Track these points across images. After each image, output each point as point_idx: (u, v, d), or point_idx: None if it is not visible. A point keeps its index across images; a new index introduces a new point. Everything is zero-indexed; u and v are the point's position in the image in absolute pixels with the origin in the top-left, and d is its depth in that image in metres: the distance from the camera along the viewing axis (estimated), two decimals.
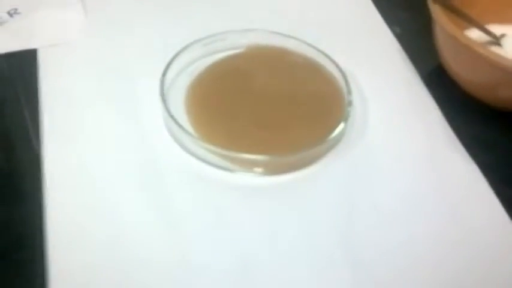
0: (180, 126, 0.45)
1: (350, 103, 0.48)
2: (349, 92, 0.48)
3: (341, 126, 0.46)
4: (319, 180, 0.45)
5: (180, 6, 0.57)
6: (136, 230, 0.41)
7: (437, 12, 0.48)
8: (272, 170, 0.45)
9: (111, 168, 0.45)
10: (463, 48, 0.46)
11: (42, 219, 0.41)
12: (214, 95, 0.50)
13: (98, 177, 0.44)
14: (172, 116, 0.46)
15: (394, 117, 0.50)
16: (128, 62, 0.52)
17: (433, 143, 0.48)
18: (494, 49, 0.51)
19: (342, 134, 0.47)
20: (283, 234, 0.42)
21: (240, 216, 0.43)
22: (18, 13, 0.56)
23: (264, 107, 0.49)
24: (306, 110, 0.49)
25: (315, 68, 0.52)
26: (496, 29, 0.53)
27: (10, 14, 0.56)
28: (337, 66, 0.50)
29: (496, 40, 0.52)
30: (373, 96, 0.51)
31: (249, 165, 0.45)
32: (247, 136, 0.46)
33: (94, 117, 0.48)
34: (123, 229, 0.41)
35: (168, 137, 0.47)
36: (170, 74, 0.49)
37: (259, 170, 0.45)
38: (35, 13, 0.56)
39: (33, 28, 0.54)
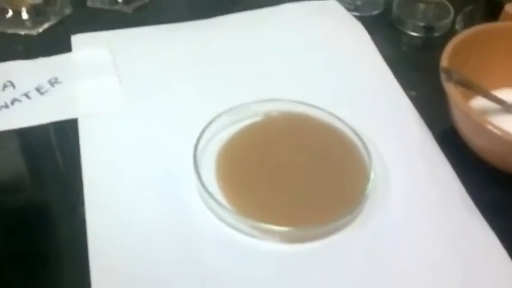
0: (211, 195, 0.49)
1: (370, 178, 0.51)
2: (370, 163, 0.52)
3: (364, 198, 0.49)
4: (343, 248, 0.48)
5: (207, 78, 0.60)
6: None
7: (449, 89, 0.51)
8: (296, 239, 0.48)
9: (148, 233, 0.48)
10: (473, 123, 0.49)
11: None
12: (241, 162, 0.53)
13: (136, 242, 0.48)
14: (204, 185, 0.49)
15: (412, 184, 0.53)
16: (160, 132, 0.56)
17: (450, 207, 0.51)
18: (506, 118, 0.54)
19: (364, 205, 0.50)
20: None
21: (265, 283, 0.46)
22: (59, 82, 0.60)
23: (288, 175, 0.52)
24: (329, 180, 0.52)
25: (335, 134, 0.55)
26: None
27: (51, 83, 0.60)
28: (357, 135, 0.54)
29: (507, 108, 0.55)
30: (392, 163, 0.54)
31: (276, 235, 0.48)
32: (274, 207, 0.50)
33: (131, 184, 0.52)
34: None
35: (200, 203, 0.50)
36: (201, 144, 0.53)
37: (285, 239, 0.48)
38: (75, 83, 0.60)
39: (73, 98, 0.58)
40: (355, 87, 0.62)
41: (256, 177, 0.52)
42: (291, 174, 0.52)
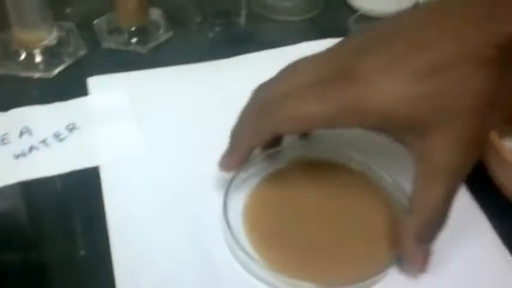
0: (242, 247, 0.47)
1: None
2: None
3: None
4: None
5: (229, 120, 0.58)
6: None
7: None
8: None
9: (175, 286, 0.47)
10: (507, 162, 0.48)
11: None
12: (271, 213, 0.51)
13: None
14: (234, 237, 0.47)
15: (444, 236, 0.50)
16: (184, 178, 0.54)
17: (487, 260, 0.49)
18: None
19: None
20: None
21: None
22: (77, 128, 0.58)
23: (318, 226, 0.50)
24: (362, 233, 0.50)
25: (368, 184, 0.53)
26: None
27: (69, 129, 0.58)
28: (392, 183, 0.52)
29: None
30: None
31: None
32: (307, 261, 0.48)
33: (158, 233, 0.50)
34: None
35: (228, 255, 0.49)
36: (230, 193, 0.51)
37: None
38: (93, 128, 0.58)
39: (93, 145, 0.57)
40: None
41: (286, 228, 0.50)
42: (321, 225, 0.50)
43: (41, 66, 0.64)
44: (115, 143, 0.57)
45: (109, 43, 0.68)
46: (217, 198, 0.50)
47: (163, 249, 0.49)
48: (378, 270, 0.46)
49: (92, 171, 0.55)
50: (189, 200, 0.53)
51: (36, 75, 0.64)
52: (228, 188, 0.51)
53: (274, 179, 0.54)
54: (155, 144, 0.58)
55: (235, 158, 0.50)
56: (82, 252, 0.49)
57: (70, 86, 0.63)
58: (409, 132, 0.43)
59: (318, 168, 0.55)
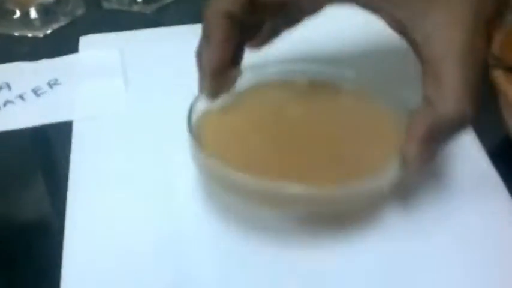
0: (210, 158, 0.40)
1: None
2: None
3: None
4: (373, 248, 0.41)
5: None
6: None
7: (498, 76, 0.43)
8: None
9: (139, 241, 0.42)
10: None
11: None
12: (245, 127, 0.44)
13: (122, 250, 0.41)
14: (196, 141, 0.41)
15: (457, 194, 0.44)
16: (164, 138, 0.49)
17: (499, 225, 0.42)
18: None
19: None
20: None
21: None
22: (59, 84, 0.54)
23: (300, 135, 0.43)
24: (349, 142, 0.43)
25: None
26: None
27: (50, 85, 0.54)
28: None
29: None
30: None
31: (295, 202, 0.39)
32: (284, 165, 0.41)
33: (119, 195, 0.45)
34: None
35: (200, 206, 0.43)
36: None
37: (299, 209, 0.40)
38: (76, 84, 0.54)
39: (71, 100, 0.52)
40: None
41: (265, 136, 0.43)
42: (305, 134, 0.43)
43: (35, 25, 0.61)
44: (96, 100, 0.53)
45: (110, 3, 0.64)
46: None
47: (123, 210, 0.44)
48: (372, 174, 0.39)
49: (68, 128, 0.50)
50: (161, 166, 0.47)
51: (29, 33, 0.61)
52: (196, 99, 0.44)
53: (252, 94, 0.46)
54: (138, 106, 0.52)
55: (215, 48, 0.41)
56: (39, 206, 0.45)
57: (62, 45, 0.59)
58: (408, 8, 0.38)
59: (304, 86, 0.47)
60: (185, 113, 0.43)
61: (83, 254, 0.40)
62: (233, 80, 0.44)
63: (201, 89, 0.43)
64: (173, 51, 0.58)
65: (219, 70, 0.41)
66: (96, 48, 0.58)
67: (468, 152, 0.47)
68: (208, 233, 0.42)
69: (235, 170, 0.38)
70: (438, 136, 0.38)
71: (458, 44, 0.37)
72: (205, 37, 0.41)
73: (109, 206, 0.44)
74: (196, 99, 0.43)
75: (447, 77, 0.37)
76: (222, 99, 0.44)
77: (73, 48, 0.58)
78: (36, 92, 0.53)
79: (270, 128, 0.44)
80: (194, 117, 0.43)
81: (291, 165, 0.41)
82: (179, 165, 0.45)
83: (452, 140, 0.39)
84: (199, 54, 0.42)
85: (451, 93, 0.37)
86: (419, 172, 0.40)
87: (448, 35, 0.37)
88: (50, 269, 0.39)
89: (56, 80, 0.54)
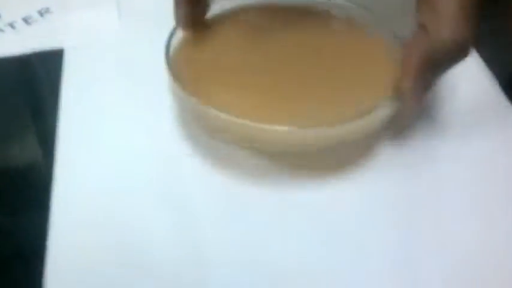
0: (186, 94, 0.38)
1: None
2: None
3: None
4: (365, 183, 0.39)
5: None
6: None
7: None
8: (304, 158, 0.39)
9: (126, 173, 0.41)
10: None
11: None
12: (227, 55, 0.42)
13: (112, 181, 0.40)
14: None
15: (466, 120, 0.43)
16: (156, 68, 0.47)
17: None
18: None
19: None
20: (318, 243, 0.36)
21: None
22: (50, 12, 0.52)
23: (284, 68, 0.41)
24: (338, 77, 0.41)
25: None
26: None
27: (41, 14, 0.52)
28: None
29: None
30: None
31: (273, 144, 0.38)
32: (269, 104, 0.38)
33: (112, 123, 0.44)
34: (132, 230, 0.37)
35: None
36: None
37: (287, 147, 0.38)
38: (67, 13, 0.52)
39: (62, 28, 0.51)
40: None
41: (246, 68, 0.41)
42: (291, 67, 0.41)
43: None
44: (86, 29, 0.51)
45: None
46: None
47: (113, 142, 0.43)
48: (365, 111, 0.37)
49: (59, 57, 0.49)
50: (152, 97, 0.45)
51: None
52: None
53: (232, 21, 0.44)
54: (130, 35, 0.51)
55: None
56: (28, 134, 0.44)
57: None
58: None
59: (289, 11, 0.45)
60: None
61: (73, 188, 0.39)
62: (208, 5, 0.42)
63: (176, 18, 0.42)
64: None
65: None
66: None
67: (474, 78, 0.46)
68: (199, 173, 0.41)
69: (217, 111, 0.36)
70: (434, 66, 0.37)
71: None
72: None
73: (99, 136, 0.43)
74: (173, 31, 0.42)
75: (442, 2, 0.35)
76: (201, 27, 0.43)
77: None
78: (26, 20, 0.52)
79: (252, 60, 0.41)
80: (172, 51, 0.41)
81: (276, 101, 0.39)
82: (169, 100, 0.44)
83: (449, 69, 0.37)
84: None
85: (447, 19, 0.35)
86: (417, 104, 0.38)
87: None
88: (39, 199, 0.39)
89: (48, 8, 0.53)
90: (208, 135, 0.41)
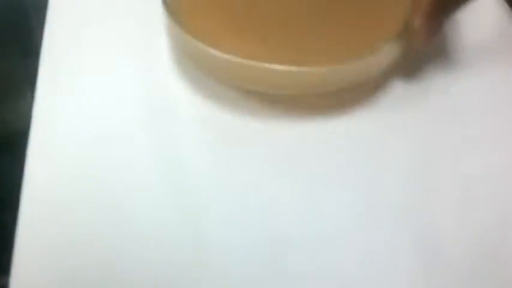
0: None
1: None
2: None
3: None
4: (377, 121, 0.35)
5: None
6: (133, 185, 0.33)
7: None
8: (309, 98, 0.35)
9: (111, 103, 0.37)
10: None
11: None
12: None
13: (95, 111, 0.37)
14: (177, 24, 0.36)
15: (480, 55, 0.39)
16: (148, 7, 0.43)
17: None
18: None
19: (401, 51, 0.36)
20: (326, 205, 0.32)
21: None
22: None
23: (293, 8, 0.38)
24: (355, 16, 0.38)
25: None
26: None
27: None
28: None
29: None
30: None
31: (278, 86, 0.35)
32: (277, 43, 0.36)
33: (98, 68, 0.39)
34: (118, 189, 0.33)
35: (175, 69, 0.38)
36: None
37: (292, 91, 0.35)
38: None
39: None
40: None
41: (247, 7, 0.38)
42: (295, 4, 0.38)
43: None
44: None
45: None
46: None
47: (98, 87, 0.38)
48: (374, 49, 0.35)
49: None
50: (142, 38, 0.41)
51: None
52: None
53: None
54: None
55: None
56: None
57: None
58: None
59: None
60: None
61: (53, 134, 0.35)
62: None
63: None
64: None
65: None
66: None
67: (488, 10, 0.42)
68: (193, 112, 0.37)
69: (219, 52, 0.34)
70: (446, 3, 0.35)
71: None
72: None
73: (83, 76, 0.39)
74: None
75: None
76: None
77: None
78: None
79: None
80: None
81: (279, 41, 0.36)
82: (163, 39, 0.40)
83: (462, 7, 0.35)
84: None
85: None
86: (428, 42, 0.36)
87: None
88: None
89: None
90: (205, 75, 0.37)
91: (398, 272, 0.29)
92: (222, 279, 0.29)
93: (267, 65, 0.33)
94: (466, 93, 0.37)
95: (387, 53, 0.35)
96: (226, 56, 0.34)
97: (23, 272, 0.29)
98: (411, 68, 0.38)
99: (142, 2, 0.42)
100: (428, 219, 0.31)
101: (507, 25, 0.41)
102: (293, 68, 0.33)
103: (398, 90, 0.37)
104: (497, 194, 0.32)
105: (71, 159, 0.34)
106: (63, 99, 0.37)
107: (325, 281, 0.29)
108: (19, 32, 0.43)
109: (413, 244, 0.30)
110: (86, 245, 0.30)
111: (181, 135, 0.35)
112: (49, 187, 0.32)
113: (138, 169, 0.33)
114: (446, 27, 0.39)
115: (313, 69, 0.34)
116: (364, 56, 0.34)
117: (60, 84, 0.38)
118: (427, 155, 0.34)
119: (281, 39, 0.36)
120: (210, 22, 0.37)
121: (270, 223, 0.31)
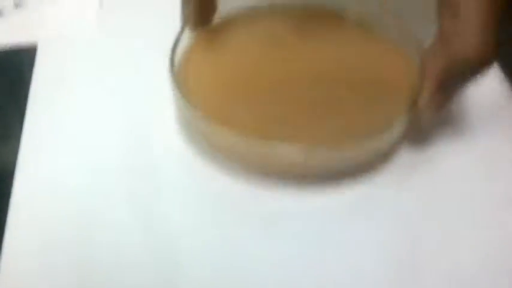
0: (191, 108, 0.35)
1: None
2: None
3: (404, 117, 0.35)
4: (380, 188, 0.35)
5: None
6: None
7: None
8: (309, 174, 0.35)
9: (97, 159, 0.38)
10: None
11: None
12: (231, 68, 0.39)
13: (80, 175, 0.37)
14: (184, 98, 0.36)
15: (477, 124, 0.39)
16: (135, 60, 0.44)
17: None
18: None
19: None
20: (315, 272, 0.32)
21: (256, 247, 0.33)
22: (25, 4, 0.49)
23: (301, 87, 0.38)
24: (361, 94, 0.38)
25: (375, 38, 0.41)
26: None
27: (16, 5, 0.49)
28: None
29: None
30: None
31: (283, 164, 0.35)
32: (280, 122, 0.36)
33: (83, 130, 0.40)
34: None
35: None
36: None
37: (295, 170, 0.35)
38: (44, 4, 0.49)
39: (37, 21, 0.47)
40: None
41: (249, 84, 0.38)
42: (304, 85, 0.38)
43: None
44: (64, 19, 0.48)
45: None
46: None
47: (82, 149, 0.39)
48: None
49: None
50: (133, 77, 0.42)
51: None
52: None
53: (240, 24, 0.41)
54: (112, 28, 0.47)
55: None
56: None
57: None
58: None
59: (300, 14, 0.42)
60: (166, 40, 0.38)
61: (35, 183, 0.36)
62: (217, 5, 0.39)
63: (185, 17, 0.39)
64: None
65: None
66: None
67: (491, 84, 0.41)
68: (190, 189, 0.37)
69: (225, 130, 0.34)
70: (455, 78, 0.34)
71: None
72: None
73: (66, 136, 0.39)
74: (179, 36, 0.39)
75: (465, 9, 0.32)
76: (207, 32, 0.40)
77: None
78: (0, 12, 0.48)
79: (260, 73, 0.38)
80: (177, 59, 0.38)
81: (285, 118, 0.36)
82: (156, 104, 0.40)
83: (471, 81, 0.34)
84: None
85: (471, 29, 0.32)
86: (436, 115, 0.36)
87: None
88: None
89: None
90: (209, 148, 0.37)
91: None
92: None
93: (277, 144, 0.33)
94: (472, 161, 0.37)
95: (396, 130, 0.35)
96: (232, 134, 0.34)
97: None
98: (418, 137, 0.38)
99: (149, 64, 0.42)
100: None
101: (508, 101, 0.40)
102: (306, 148, 0.33)
103: (404, 156, 0.37)
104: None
105: (55, 207, 0.35)
106: (46, 153, 0.38)
107: None
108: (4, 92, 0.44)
109: None
110: None
111: (167, 190, 0.36)
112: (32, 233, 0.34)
113: (121, 223, 0.34)
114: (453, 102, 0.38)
115: (319, 149, 0.34)
116: (374, 135, 0.34)
117: (41, 141, 0.39)
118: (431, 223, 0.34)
119: (290, 119, 0.36)
120: (215, 96, 0.37)
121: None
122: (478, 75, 0.33)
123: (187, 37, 0.39)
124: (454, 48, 0.33)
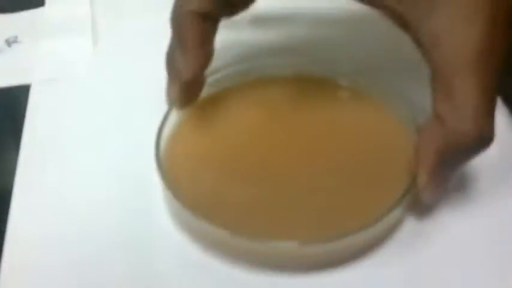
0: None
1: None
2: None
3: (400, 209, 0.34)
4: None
5: None
6: None
7: None
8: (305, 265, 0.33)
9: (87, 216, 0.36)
10: None
11: None
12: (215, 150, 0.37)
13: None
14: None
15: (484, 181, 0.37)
16: (130, 106, 0.43)
17: None
18: None
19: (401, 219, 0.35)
20: None
21: None
22: (18, 42, 0.48)
23: (295, 166, 0.36)
24: (359, 173, 0.36)
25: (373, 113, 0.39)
26: None
27: (8, 43, 0.48)
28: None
29: None
30: None
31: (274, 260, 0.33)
32: (272, 210, 0.34)
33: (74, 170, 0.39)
34: None
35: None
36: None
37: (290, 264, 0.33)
38: (37, 43, 0.48)
39: (31, 61, 0.47)
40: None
41: (247, 170, 0.36)
42: (291, 169, 0.36)
43: None
44: (56, 61, 0.47)
45: None
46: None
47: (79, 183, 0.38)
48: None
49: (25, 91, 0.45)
50: (127, 128, 0.41)
51: None
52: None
53: (230, 98, 0.40)
54: (105, 70, 0.46)
55: (191, 56, 0.35)
56: None
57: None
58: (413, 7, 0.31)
59: (289, 86, 0.40)
60: (160, 83, 0.37)
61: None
62: (204, 83, 0.38)
63: (171, 98, 0.38)
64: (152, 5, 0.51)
65: (194, 78, 0.36)
66: (65, 1, 0.52)
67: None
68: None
69: (211, 226, 0.32)
70: (453, 159, 0.33)
71: (473, 46, 0.30)
72: (178, 41, 0.36)
73: (58, 184, 0.38)
74: (165, 117, 0.37)
75: (460, 90, 0.31)
76: (195, 109, 0.38)
77: (38, 2, 0.52)
78: None
79: (251, 151, 0.37)
80: (162, 143, 0.36)
81: (277, 205, 0.34)
82: (147, 152, 0.38)
83: (469, 161, 0.33)
84: (171, 59, 0.37)
85: (465, 110, 0.31)
86: (435, 196, 0.34)
87: (460, 35, 0.30)
88: None
89: (16, 37, 0.49)
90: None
91: None
92: None
93: (270, 242, 0.31)
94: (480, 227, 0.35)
95: (394, 215, 0.34)
96: (221, 231, 0.32)
97: None
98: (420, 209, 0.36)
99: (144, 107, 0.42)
100: None
101: None
102: (300, 245, 0.32)
103: (407, 230, 0.35)
104: None
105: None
106: (37, 205, 0.37)
107: None
108: None
109: None
110: None
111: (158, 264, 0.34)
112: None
113: None
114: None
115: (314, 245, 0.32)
116: (373, 222, 0.32)
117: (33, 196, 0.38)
118: None
119: (283, 206, 0.34)
120: (204, 182, 0.36)
121: None
122: (477, 155, 0.32)
123: (174, 116, 0.38)
124: (451, 130, 0.31)
